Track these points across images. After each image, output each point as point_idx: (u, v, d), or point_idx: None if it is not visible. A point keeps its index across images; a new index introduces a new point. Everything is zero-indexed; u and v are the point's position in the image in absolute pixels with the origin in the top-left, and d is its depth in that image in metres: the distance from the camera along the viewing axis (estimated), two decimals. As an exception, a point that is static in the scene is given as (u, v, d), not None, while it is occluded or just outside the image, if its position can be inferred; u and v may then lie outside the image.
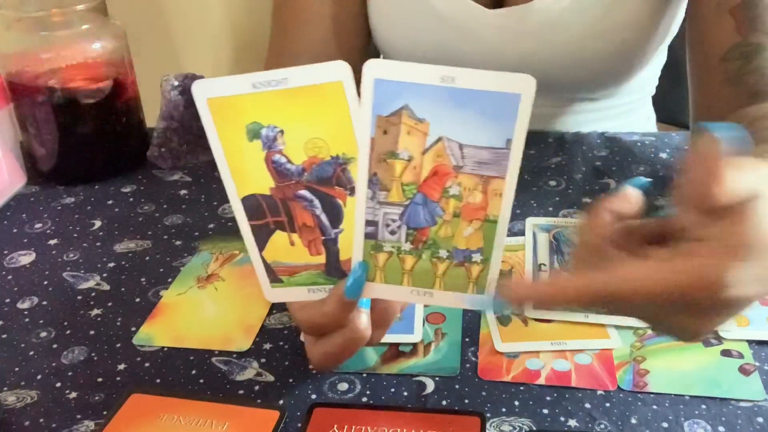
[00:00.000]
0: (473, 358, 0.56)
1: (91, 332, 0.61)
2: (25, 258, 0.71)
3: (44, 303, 0.64)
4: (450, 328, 0.59)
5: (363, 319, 0.49)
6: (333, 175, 0.47)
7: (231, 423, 0.51)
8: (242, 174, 0.47)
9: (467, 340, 0.58)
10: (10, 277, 0.68)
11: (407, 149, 0.45)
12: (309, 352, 0.51)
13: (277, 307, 0.62)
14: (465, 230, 0.46)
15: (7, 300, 0.65)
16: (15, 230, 0.75)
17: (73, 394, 0.55)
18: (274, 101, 0.45)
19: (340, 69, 0.44)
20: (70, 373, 0.57)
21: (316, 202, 0.47)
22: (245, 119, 0.46)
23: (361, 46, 0.87)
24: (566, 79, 0.84)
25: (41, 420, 0.53)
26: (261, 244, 0.49)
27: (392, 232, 0.47)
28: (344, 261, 0.48)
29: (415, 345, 0.57)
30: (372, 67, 0.44)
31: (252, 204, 0.48)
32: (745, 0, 0.66)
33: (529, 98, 0.42)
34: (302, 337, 0.56)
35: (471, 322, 0.59)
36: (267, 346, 0.58)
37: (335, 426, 0.50)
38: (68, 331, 0.61)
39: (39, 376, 0.56)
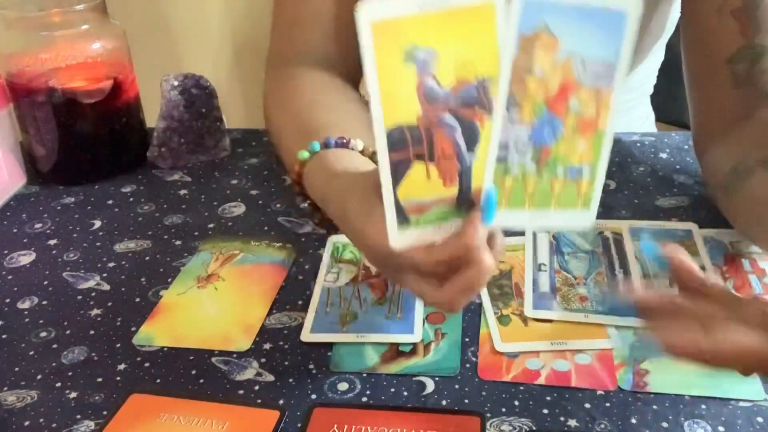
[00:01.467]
0: (473, 358, 0.56)
1: (91, 332, 0.61)
2: (25, 258, 0.71)
3: (44, 303, 0.64)
4: (450, 328, 0.59)
5: (488, 250, 0.49)
6: (476, 97, 0.48)
7: (231, 423, 0.51)
8: (392, 101, 0.48)
9: (467, 340, 0.58)
10: (10, 277, 0.68)
11: (541, 66, 0.47)
12: (433, 297, 0.50)
13: (278, 307, 0.62)
14: (579, 145, 0.49)
15: (7, 300, 0.65)
16: (15, 230, 0.75)
17: (73, 394, 0.55)
18: (434, 22, 0.47)
19: None
20: (70, 373, 0.57)
21: (458, 128, 0.49)
22: (405, 42, 0.47)
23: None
24: None
25: (41, 420, 0.53)
26: (397, 179, 0.49)
27: (520, 153, 0.48)
28: (474, 190, 0.49)
29: (415, 345, 0.57)
30: None
31: (396, 136, 0.48)
32: (747, 2, 0.67)
33: (636, 16, 0.47)
34: (412, 290, 0.52)
35: (471, 322, 0.59)
36: (267, 346, 0.58)
37: (335, 426, 0.50)
38: (68, 331, 0.61)
39: (39, 376, 0.56)
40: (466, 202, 0.49)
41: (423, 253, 0.49)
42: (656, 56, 0.91)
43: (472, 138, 0.49)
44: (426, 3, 0.46)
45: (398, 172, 0.48)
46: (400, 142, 0.48)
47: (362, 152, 0.61)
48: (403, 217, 0.49)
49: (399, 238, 0.49)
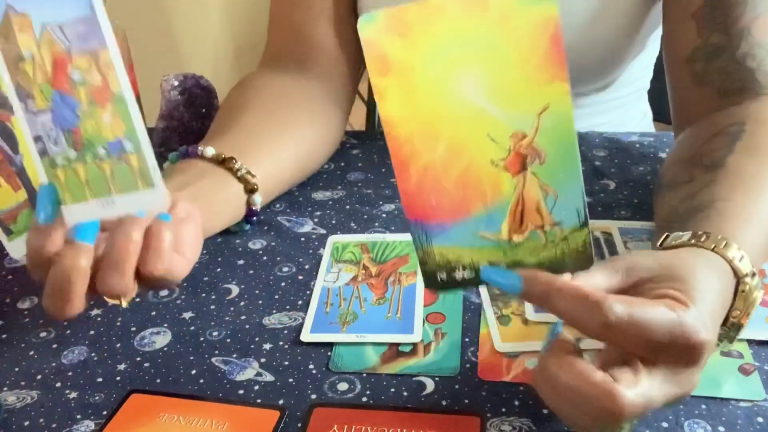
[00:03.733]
0: (473, 358, 0.56)
1: (91, 332, 0.61)
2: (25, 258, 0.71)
3: (44, 303, 0.64)
4: (450, 328, 0.59)
5: (75, 250, 0.47)
6: None
7: (231, 423, 0.51)
8: None
9: (467, 340, 0.58)
10: (10, 277, 0.68)
11: (27, 48, 0.45)
12: (44, 302, 0.49)
13: (278, 307, 0.62)
14: (104, 118, 0.46)
15: (7, 300, 0.65)
16: (15, 230, 0.75)
17: (73, 394, 0.55)
18: None
19: None
20: (70, 373, 0.57)
21: None
22: None
23: (356, 43, 0.88)
24: None
25: (41, 420, 0.53)
26: None
27: (55, 142, 0.47)
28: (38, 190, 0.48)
29: (414, 345, 0.57)
30: None
31: None
32: (706, 2, 0.68)
33: None
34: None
35: (471, 321, 0.59)
36: (267, 346, 0.58)
37: (335, 426, 0.50)
38: (68, 331, 0.61)
39: (39, 376, 0.56)
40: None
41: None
42: (648, 52, 0.91)
43: (10, 138, 0.48)
44: None
45: None
46: None
47: (214, 158, 0.65)
48: (4, 227, 0.49)
49: (15, 248, 0.50)
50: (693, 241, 0.50)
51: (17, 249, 0.50)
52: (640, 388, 0.41)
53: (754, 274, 0.49)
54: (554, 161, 0.43)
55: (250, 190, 0.66)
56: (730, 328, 0.49)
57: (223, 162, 0.65)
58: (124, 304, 0.50)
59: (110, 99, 0.46)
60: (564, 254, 0.44)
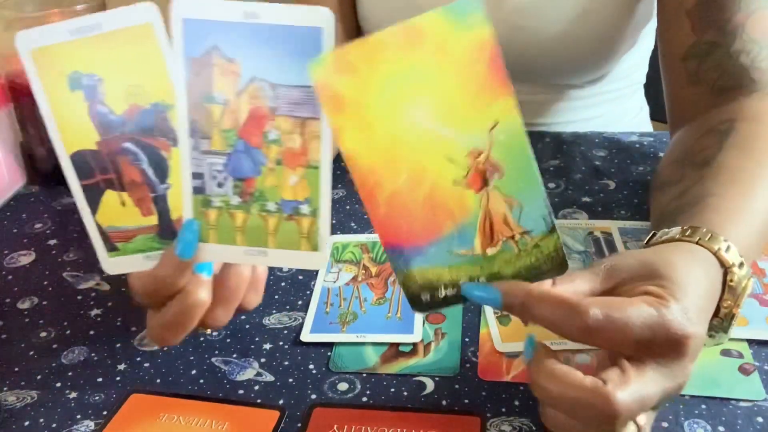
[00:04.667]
0: (473, 358, 0.56)
1: (91, 332, 0.61)
2: (25, 258, 0.71)
3: (44, 303, 0.64)
4: (450, 328, 0.59)
5: (201, 285, 0.48)
6: (155, 125, 0.46)
7: (231, 423, 0.51)
8: (68, 128, 0.47)
9: (467, 340, 0.58)
10: (10, 277, 0.68)
11: (222, 92, 0.44)
12: (148, 326, 0.50)
13: (278, 307, 0.62)
14: (290, 179, 0.46)
15: (7, 300, 0.65)
16: (15, 230, 0.75)
17: (73, 394, 0.55)
18: (92, 48, 0.45)
19: (149, 10, 0.44)
20: (70, 373, 0.57)
21: (141, 155, 0.47)
22: (66, 68, 0.46)
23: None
24: (546, 66, 0.85)
25: (41, 420, 0.53)
26: (93, 206, 0.48)
27: (219, 185, 0.46)
28: (177, 220, 0.48)
29: (414, 345, 0.57)
30: (179, 6, 0.43)
31: (81, 161, 0.47)
32: (700, 0, 0.68)
33: (330, 31, 0.43)
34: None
35: (471, 321, 0.59)
36: (267, 346, 0.58)
37: (335, 426, 0.50)
38: (68, 331, 0.61)
39: (39, 376, 0.56)
40: (169, 232, 0.48)
41: (132, 280, 0.50)
42: (642, 45, 0.92)
43: (160, 166, 0.47)
44: (78, 29, 0.45)
45: (92, 198, 0.48)
46: (85, 168, 0.47)
47: None
48: (109, 243, 0.49)
49: (110, 264, 0.50)
50: (679, 236, 0.50)
51: (114, 266, 0.50)
52: (631, 386, 0.41)
53: (742, 264, 0.49)
54: (513, 173, 0.44)
55: None
56: (723, 318, 0.49)
57: None
58: (215, 333, 0.53)
59: (304, 165, 0.46)
60: (539, 261, 0.45)
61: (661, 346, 0.42)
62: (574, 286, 0.45)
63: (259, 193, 0.46)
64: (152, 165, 0.47)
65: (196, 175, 0.46)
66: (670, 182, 0.60)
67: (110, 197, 0.48)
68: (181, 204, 0.47)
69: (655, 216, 0.60)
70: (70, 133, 0.47)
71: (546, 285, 0.44)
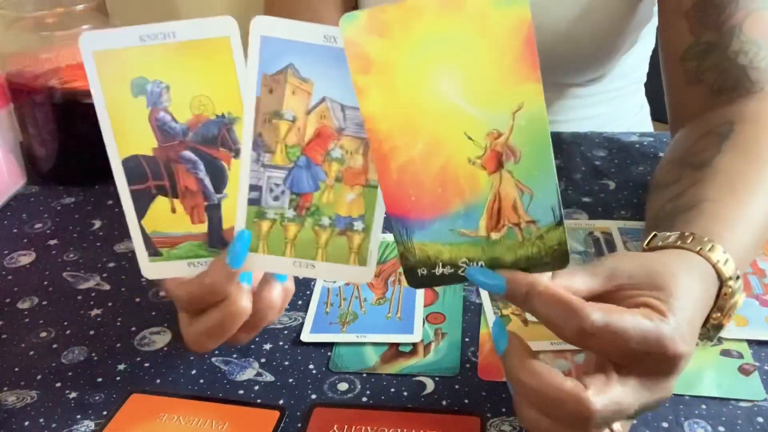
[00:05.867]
0: (473, 358, 0.56)
1: (91, 332, 0.61)
2: (25, 258, 0.71)
3: (44, 303, 0.64)
4: (450, 328, 0.59)
5: (244, 293, 0.48)
6: (218, 136, 0.46)
7: (231, 423, 0.51)
8: (124, 132, 0.47)
9: (467, 340, 0.58)
10: (10, 277, 0.68)
11: (292, 109, 0.45)
12: (185, 333, 0.51)
13: (277, 307, 0.62)
14: (347, 196, 0.47)
15: (7, 300, 0.65)
16: (15, 230, 0.75)
17: (73, 394, 0.55)
18: (161, 55, 0.45)
19: (228, 24, 0.45)
20: (70, 373, 0.57)
21: (200, 164, 0.47)
22: (131, 73, 0.46)
23: None
24: (547, 64, 0.84)
25: (41, 420, 0.53)
26: (141, 211, 0.48)
27: (276, 198, 0.47)
28: (227, 230, 0.48)
29: (415, 345, 0.57)
30: (259, 24, 0.44)
31: (133, 165, 0.47)
32: (698, 1, 0.68)
33: None
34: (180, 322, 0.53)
35: (471, 321, 0.59)
36: (267, 346, 0.58)
37: (335, 426, 0.50)
38: (68, 331, 0.61)
39: (39, 376, 0.56)
40: (218, 241, 0.49)
41: (174, 286, 0.50)
42: (643, 44, 0.92)
43: (218, 177, 0.48)
44: (150, 35, 0.45)
45: (140, 203, 0.48)
46: (137, 173, 0.48)
47: None
48: (152, 248, 0.49)
49: (151, 269, 0.50)
50: (679, 242, 0.49)
51: (155, 271, 0.50)
52: (611, 394, 0.41)
53: (737, 278, 0.49)
54: (529, 160, 0.44)
55: None
56: (710, 328, 0.49)
57: None
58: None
59: (363, 184, 0.46)
60: (540, 252, 0.45)
61: (653, 361, 0.42)
62: (573, 282, 0.45)
63: (315, 208, 0.47)
64: (210, 174, 0.48)
65: (254, 187, 0.47)
66: (667, 183, 0.60)
67: (160, 203, 0.48)
68: (234, 215, 0.47)
69: (651, 215, 0.60)
70: (126, 137, 0.47)
71: (545, 278, 0.44)
